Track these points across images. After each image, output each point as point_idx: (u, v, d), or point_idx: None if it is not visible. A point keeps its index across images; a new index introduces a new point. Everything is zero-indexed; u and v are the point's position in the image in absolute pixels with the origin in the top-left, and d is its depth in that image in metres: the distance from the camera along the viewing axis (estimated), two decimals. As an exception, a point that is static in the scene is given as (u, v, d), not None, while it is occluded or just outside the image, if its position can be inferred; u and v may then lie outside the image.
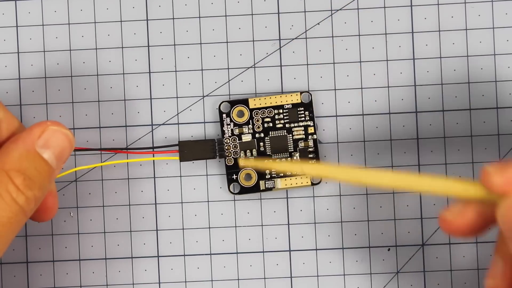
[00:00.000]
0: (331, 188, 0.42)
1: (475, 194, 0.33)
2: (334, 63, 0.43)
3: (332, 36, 0.43)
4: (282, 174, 0.42)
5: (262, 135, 0.42)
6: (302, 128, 0.42)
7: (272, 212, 0.42)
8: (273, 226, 0.43)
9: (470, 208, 0.33)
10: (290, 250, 0.42)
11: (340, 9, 0.43)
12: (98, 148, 0.42)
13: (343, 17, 0.43)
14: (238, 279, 0.42)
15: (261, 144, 0.42)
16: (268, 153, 0.42)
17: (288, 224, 0.42)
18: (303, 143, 0.42)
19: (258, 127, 0.42)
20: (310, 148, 0.42)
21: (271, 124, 0.42)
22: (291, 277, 0.42)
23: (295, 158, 0.42)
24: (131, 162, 0.42)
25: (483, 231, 0.34)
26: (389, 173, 0.34)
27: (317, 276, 0.42)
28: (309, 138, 0.42)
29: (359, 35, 0.43)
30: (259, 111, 0.42)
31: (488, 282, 0.33)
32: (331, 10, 0.43)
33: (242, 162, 0.39)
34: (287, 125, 0.42)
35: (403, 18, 0.43)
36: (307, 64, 0.43)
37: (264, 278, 0.42)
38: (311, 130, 0.42)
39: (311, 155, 0.42)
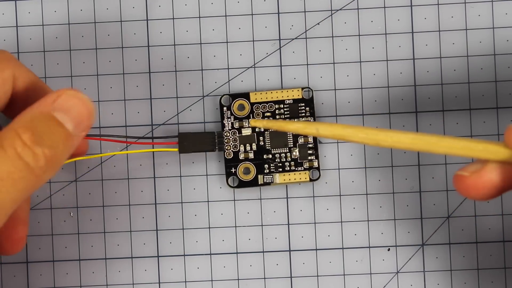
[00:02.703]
0: (331, 188, 0.42)
1: (497, 155, 0.32)
2: (334, 63, 0.43)
3: (332, 36, 0.43)
4: (281, 169, 0.42)
5: (262, 129, 0.42)
6: (302, 124, 0.42)
7: (272, 212, 0.42)
8: (273, 226, 0.42)
9: (489, 168, 0.32)
10: (290, 250, 0.42)
11: (340, 9, 0.43)
12: (97, 134, 0.41)
13: (343, 17, 0.43)
14: (238, 279, 0.42)
15: (261, 138, 0.42)
16: (267, 147, 0.42)
17: (288, 224, 0.42)
18: (302, 138, 0.42)
19: (259, 122, 0.42)
20: (309, 144, 0.42)
21: (271, 119, 0.42)
22: (291, 277, 0.42)
23: (294, 153, 0.42)
24: (131, 162, 0.42)
25: (499, 193, 0.32)
26: (408, 134, 0.33)
27: (317, 276, 0.42)
28: (309, 134, 0.42)
29: (359, 35, 0.43)
30: (260, 105, 0.42)
31: None
32: (331, 10, 0.43)
33: (252, 122, 0.37)
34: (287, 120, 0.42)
35: (403, 18, 0.43)
36: (307, 64, 0.43)
37: (264, 278, 0.42)
38: (311, 125, 0.42)
39: (310, 151, 0.42)
